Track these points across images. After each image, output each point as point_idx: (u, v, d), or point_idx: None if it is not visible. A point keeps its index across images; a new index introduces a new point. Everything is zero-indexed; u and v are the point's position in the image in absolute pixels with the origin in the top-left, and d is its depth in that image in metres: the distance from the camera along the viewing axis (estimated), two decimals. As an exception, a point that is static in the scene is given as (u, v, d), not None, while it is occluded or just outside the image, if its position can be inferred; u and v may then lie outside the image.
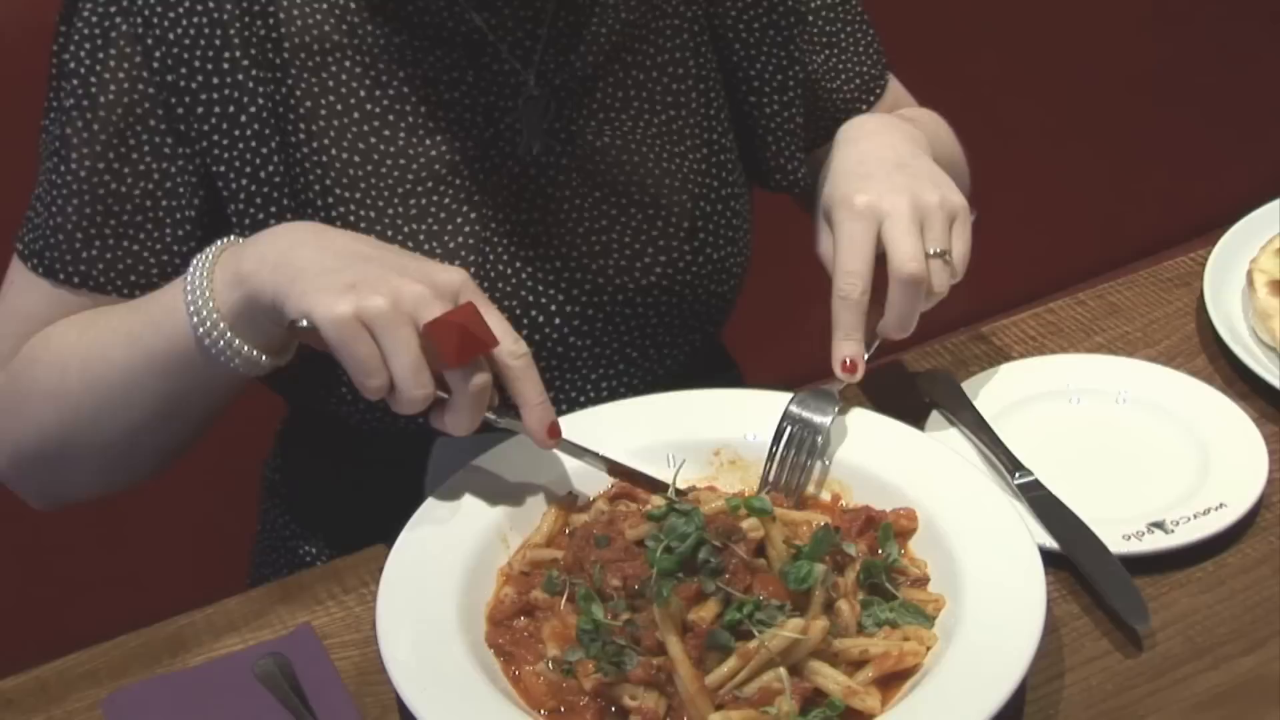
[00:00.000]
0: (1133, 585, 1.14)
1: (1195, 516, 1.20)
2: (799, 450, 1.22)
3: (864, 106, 1.45)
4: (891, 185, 1.24)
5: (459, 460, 1.25)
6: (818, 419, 1.23)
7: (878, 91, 1.47)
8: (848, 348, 1.21)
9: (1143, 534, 1.19)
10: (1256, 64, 2.24)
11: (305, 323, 1.10)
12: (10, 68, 1.44)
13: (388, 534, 1.20)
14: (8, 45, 1.53)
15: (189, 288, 1.15)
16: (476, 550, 1.18)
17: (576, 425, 1.27)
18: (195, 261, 1.16)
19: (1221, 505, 1.21)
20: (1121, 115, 2.18)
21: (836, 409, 1.23)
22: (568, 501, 1.22)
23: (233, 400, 1.27)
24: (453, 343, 1.08)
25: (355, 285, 1.08)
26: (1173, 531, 1.19)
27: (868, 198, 1.22)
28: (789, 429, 1.22)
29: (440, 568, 1.15)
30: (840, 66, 1.44)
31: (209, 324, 1.14)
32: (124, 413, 1.23)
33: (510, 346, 1.12)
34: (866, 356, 1.23)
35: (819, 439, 1.22)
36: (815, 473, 1.23)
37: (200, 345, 1.15)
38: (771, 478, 1.22)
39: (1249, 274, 1.43)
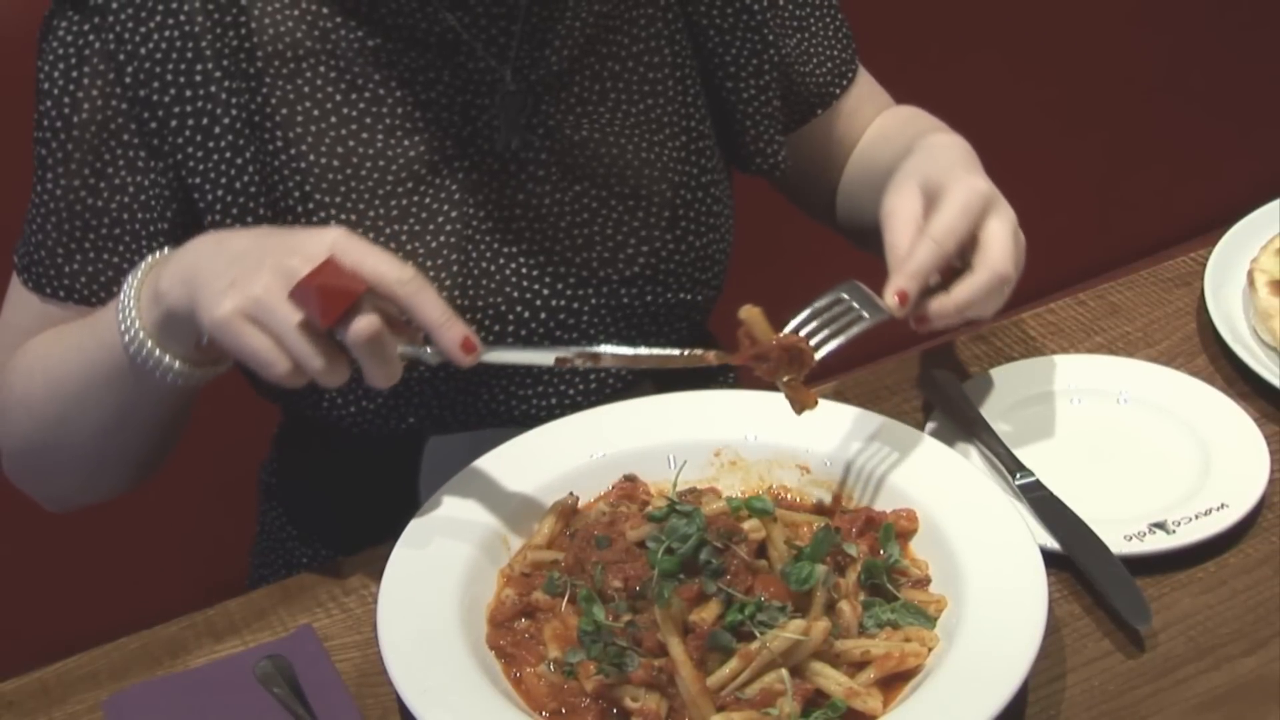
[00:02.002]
0: (1134, 586, 1.14)
1: (1197, 517, 1.20)
2: (838, 316, 1.17)
3: (837, 91, 1.47)
4: (1000, 198, 1.22)
5: (452, 461, 1.25)
6: (867, 311, 1.17)
7: (850, 76, 1.48)
8: (910, 282, 1.16)
9: (1144, 534, 1.19)
10: (1256, 63, 2.24)
11: (206, 338, 1.11)
12: (11, 70, 1.43)
13: (384, 536, 1.20)
14: (8, 49, 1.53)
15: (120, 306, 1.16)
16: (477, 552, 1.18)
17: (576, 427, 1.27)
18: (128, 279, 1.17)
19: (1223, 506, 1.21)
20: (1121, 114, 2.18)
21: (882, 316, 1.17)
22: (568, 503, 1.22)
23: (187, 409, 1.29)
24: (315, 303, 1.06)
25: (234, 282, 1.08)
26: (1174, 532, 1.19)
27: (989, 189, 1.21)
28: (837, 295, 1.18)
29: (441, 569, 1.15)
30: (811, 51, 1.44)
31: (137, 342, 1.16)
32: (83, 420, 1.25)
33: (395, 275, 1.08)
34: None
35: (857, 321, 1.17)
36: (833, 346, 1.17)
37: (132, 362, 1.16)
38: (798, 321, 1.17)
39: (1249, 274, 1.43)
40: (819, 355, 1.16)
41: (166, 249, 1.22)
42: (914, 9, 1.97)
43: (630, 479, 1.24)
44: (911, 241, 1.17)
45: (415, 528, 1.19)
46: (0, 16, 1.56)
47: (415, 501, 1.22)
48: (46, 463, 1.31)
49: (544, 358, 1.16)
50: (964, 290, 1.17)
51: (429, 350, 1.11)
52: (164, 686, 1.15)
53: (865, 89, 1.50)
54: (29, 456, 1.32)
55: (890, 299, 1.16)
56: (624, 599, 1.09)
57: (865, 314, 1.17)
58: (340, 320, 1.06)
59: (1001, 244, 1.18)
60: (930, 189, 1.20)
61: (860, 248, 1.52)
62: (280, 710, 1.11)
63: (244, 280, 1.07)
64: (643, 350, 1.17)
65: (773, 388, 1.29)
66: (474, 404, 1.32)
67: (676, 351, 1.15)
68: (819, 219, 1.56)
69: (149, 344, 1.15)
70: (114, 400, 1.22)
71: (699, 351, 1.15)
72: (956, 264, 1.19)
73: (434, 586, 1.14)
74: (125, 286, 1.17)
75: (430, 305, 1.09)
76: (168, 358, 1.16)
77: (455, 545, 1.17)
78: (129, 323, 1.15)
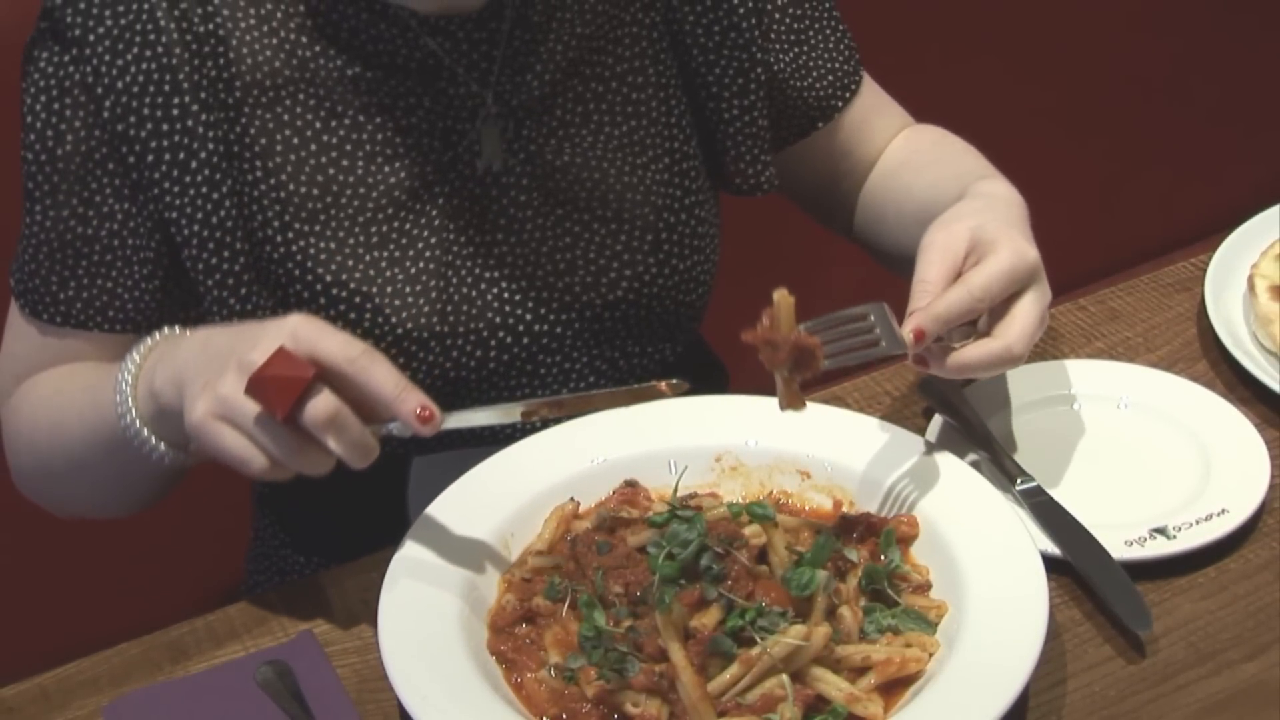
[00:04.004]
0: (1135, 591, 1.14)
1: (1197, 522, 1.20)
2: (857, 334, 1.16)
3: (839, 104, 1.44)
4: (1044, 275, 1.21)
5: (437, 479, 1.24)
6: (886, 340, 1.16)
7: (852, 88, 1.45)
8: (933, 324, 1.14)
9: (1145, 539, 1.19)
10: (1257, 67, 2.24)
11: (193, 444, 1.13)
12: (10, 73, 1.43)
13: (373, 546, 1.21)
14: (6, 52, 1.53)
15: (117, 391, 1.18)
16: (478, 557, 1.18)
17: (576, 432, 1.27)
18: (125, 363, 1.18)
19: (1224, 511, 1.21)
20: (1122, 119, 2.18)
21: (898, 351, 1.16)
22: (569, 508, 1.22)
23: (187, 469, 1.29)
24: (267, 397, 1.05)
25: (206, 384, 1.08)
26: (1175, 537, 1.19)
27: (1038, 262, 1.19)
28: (865, 313, 1.17)
29: (441, 575, 1.15)
30: (810, 64, 1.42)
31: (133, 430, 1.17)
32: (85, 474, 1.28)
33: (343, 354, 1.06)
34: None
35: (873, 346, 1.16)
36: (848, 357, 1.16)
37: (131, 445, 1.18)
38: (818, 323, 1.15)
39: (1250, 279, 1.43)
40: (825, 364, 1.15)
41: (155, 273, 1.25)
42: (914, 12, 1.97)
43: (631, 484, 1.24)
44: (942, 280, 1.16)
45: (416, 532, 1.19)
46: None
47: (402, 513, 1.22)
48: (54, 492, 1.35)
49: (508, 415, 1.14)
50: (974, 353, 1.16)
51: (397, 424, 1.09)
52: (164, 692, 1.15)
53: (872, 100, 1.48)
54: (36, 481, 1.35)
55: (907, 333, 1.14)
56: (625, 604, 1.09)
57: (883, 342, 1.16)
58: (296, 408, 1.05)
59: (1026, 323, 1.16)
60: (981, 239, 1.18)
61: (874, 259, 1.51)
62: (281, 716, 1.11)
63: (214, 380, 1.08)
64: (600, 391, 1.16)
65: (772, 391, 1.29)
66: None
67: (633, 387, 1.14)
68: (832, 228, 1.54)
69: (144, 432, 1.17)
70: (114, 463, 1.24)
71: (653, 384, 1.14)
72: (975, 321, 1.18)
73: (435, 592, 1.14)
74: (121, 373, 1.18)
75: (382, 379, 1.07)
76: (163, 445, 1.18)
77: (456, 550, 1.18)
78: (124, 408, 1.17)
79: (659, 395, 1.14)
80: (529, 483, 1.23)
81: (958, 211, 1.23)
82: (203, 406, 1.07)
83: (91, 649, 1.21)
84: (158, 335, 1.20)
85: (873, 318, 1.17)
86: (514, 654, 1.11)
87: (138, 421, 1.17)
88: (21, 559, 1.75)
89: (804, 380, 1.16)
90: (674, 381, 1.14)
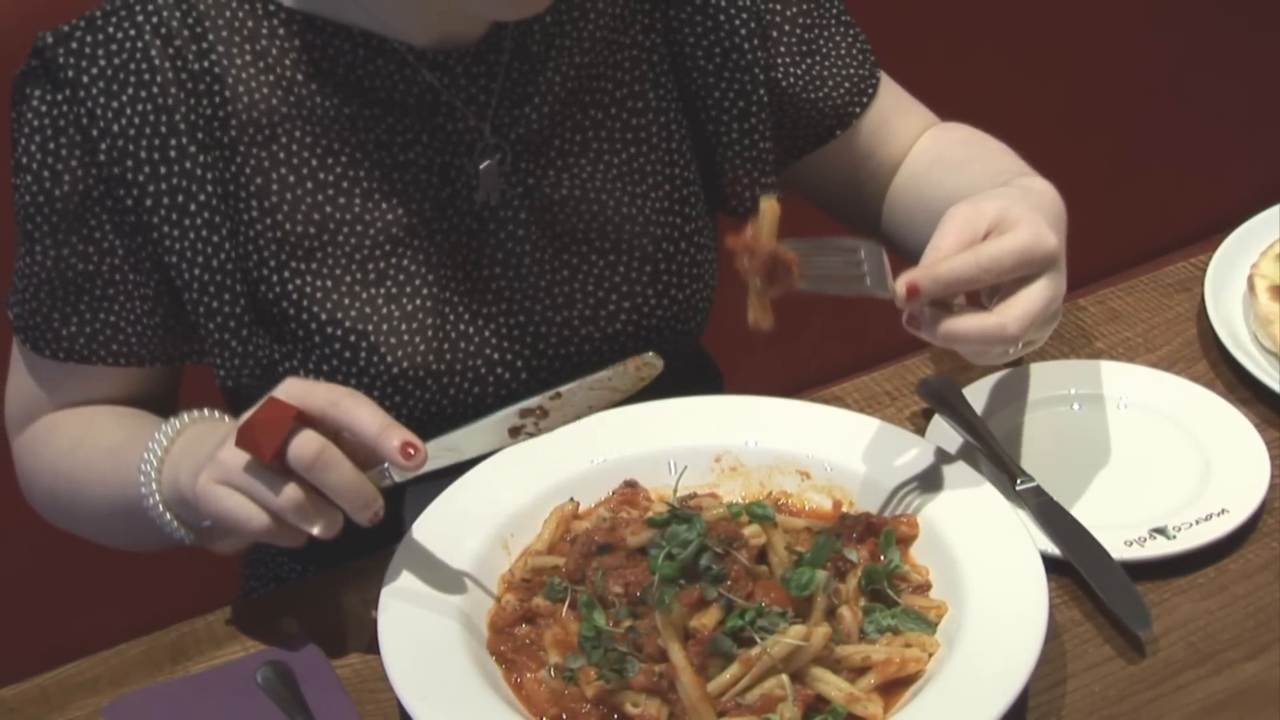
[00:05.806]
0: (1135, 591, 1.14)
1: (1197, 522, 1.20)
2: (843, 264, 1.12)
3: (857, 109, 1.42)
4: (1062, 268, 1.17)
5: (435, 491, 1.23)
6: (871, 278, 1.12)
7: (870, 92, 1.43)
8: (929, 283, 1.10)
9: (1145, 540, 1.19)
10: (1257, 67, 2.24)
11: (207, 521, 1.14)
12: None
13: (365, 554, 1.22)
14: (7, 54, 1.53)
15: (141, 472, 1.19)
16: (478, 557, 1.18)
17: (577, 434, 1.26)
18: (150, 444, 1.19)
19: (1224, 511, 1.21)
20: (1121, 119, 2.18)
21: (882, 294, 1.12)
22: (568, 508, 1.22)
23: None
24: (255, 442, 1.06)
25: (210, 456, 1.10)
26: (1175, 537, 1.19)
27: (1057, 252, 1.15)
28: (856, 247, 1.13)
29: (441, 575, 1.15)
30: (825, 74, 1.40)
31: (156, 512, 1.19)
32: (104, 524, 1.31)
33: (327, 397, 1.08)
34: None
35: (856, 281, 1.12)
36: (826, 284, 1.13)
37: (155, 523, 1.19)
38: (805, 245, 1.11)
39: (1250, 279, 1.43)
40: (800, 286, 1.11)
41: (156, 310, 1.25)
42: (914, 11, 1.97)
43: (631, 484, 1.24)
44: (955, 250, 1.12)
45: (416, 533, 1.19)
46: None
47: (398, 522, 1.22)
48: (72, 528, 1.38)
49: (499, 433, 1.13)
50: (966, 324, 1.11)
51: (389, 466, 1.09)
52: (164, 692, 1.15)
53: (891, 100, 1.45)
54: (54, 516, 1.37)
55: (900, 287, 1.10)
56: (625, 604, 1.10)
57: (868, 281, 1.12)
58: (283, 450, 1.06)
59: (1028, 307, 1.12)
60: (1005, 218, 1.14)
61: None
62: (281, 716, 1.11)
63: (214, 449, 1.10)
64: (574, 383, 1.15)
65: (771, 393, 1.30)
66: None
67: (606, 371, 1.15)
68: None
69: (167, 515, 1.19)
70: (133, 525, 1.24)
71: (625, 363, 1.16)
72: (985, 302, 1.15)
73: (435, 592, 1.14)
74: (146, 455, 1.19)
75: (366, 418, 1.07)
76: (183, 530, 1.19)
77: (456, 551, 1.18)
78: (148, 489, 1.18)
79: (636, 376, 1.14)
80: (528, 483, 1.23)
81: (990, 193, 1.21)
82: (205, 474, 1.09)
83: (91, 649, 1.21)
84: (186, 418, 1.21)
85: (863, 253, 1.13)
86: (514, 654, 1.11)
87: (160, 505, 1.18)
88: (22, 560, 1.75)
89: (776, 295, 1.13)
90: (648, 357, 1.14)
